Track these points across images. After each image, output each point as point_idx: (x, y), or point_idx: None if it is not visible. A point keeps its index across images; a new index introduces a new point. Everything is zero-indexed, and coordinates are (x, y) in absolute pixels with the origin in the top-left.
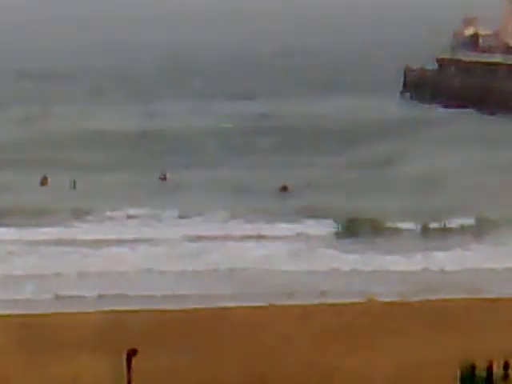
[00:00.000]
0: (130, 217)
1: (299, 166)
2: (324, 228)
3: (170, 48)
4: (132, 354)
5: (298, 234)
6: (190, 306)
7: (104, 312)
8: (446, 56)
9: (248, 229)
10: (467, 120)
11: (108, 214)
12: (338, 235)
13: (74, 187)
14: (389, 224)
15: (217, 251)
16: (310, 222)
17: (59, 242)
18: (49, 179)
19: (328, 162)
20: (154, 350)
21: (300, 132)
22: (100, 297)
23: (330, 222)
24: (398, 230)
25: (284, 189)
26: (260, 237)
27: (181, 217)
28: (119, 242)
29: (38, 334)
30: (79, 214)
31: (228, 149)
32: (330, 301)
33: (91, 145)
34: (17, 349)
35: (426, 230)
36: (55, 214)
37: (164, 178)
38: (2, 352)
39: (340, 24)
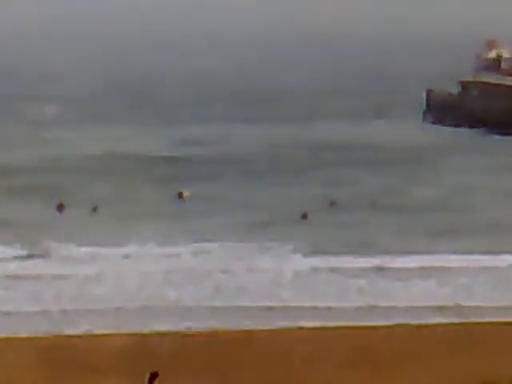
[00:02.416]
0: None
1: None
2: None
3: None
4: (154, 376)
5: None
6: None
7: (128, 334)
8: (469, 79)
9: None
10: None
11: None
12: None
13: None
14: None
15: None
16: None
17: None
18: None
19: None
20: (178, 373)
21: (320, 160)
22: None
23: None
24: None
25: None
26: None
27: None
28: None
29: (60, 356)
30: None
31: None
32: (357, 323)
33: (108, 170)
34: (39, 370)
35: None
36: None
37: (181, 197)
38: (25, 374)
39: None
